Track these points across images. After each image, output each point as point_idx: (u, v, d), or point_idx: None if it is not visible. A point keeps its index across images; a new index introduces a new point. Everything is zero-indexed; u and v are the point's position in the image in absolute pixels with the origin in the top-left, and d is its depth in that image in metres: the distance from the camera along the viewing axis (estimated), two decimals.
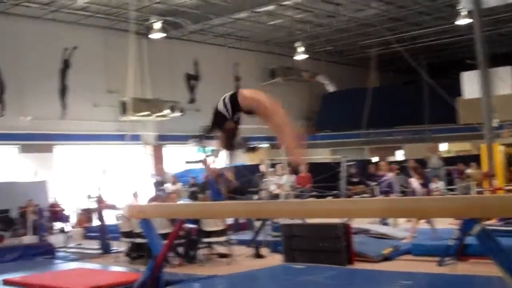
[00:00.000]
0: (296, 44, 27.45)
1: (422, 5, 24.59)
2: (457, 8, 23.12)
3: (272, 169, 17.44)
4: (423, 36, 28.88)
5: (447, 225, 13.87)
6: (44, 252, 13.54)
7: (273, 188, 17.87)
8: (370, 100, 23.52)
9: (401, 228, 13.91)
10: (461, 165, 21.27)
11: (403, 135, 29.82)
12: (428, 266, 10.07)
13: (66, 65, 23.09)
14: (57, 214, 19.51)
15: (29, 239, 16.19)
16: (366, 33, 28.29)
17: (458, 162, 22.07)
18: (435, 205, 5.93)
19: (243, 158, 27.39)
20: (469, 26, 22.69)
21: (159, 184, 22.13)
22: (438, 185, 17.70)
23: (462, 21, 23.46)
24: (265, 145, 29.39)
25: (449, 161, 22.95)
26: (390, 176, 14.57)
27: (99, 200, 16.95)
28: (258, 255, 12.30)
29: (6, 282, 10.00)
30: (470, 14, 22.06)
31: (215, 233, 12.08)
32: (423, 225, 13.05)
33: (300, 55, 27.78)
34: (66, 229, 17.43)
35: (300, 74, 30.61)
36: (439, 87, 22.36)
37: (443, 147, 29.49)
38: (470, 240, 10.24)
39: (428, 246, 11.28)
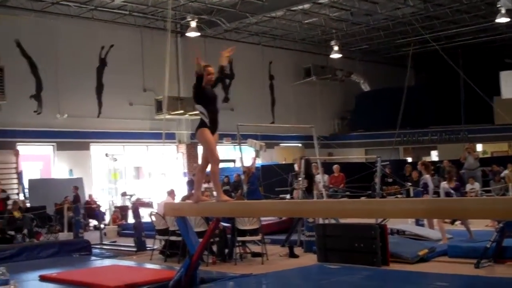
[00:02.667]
0: (331, 43, 27.30)
1: (461, 3, 24.26)
2: (496, 6, 22.76)
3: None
4: (461, 35, 28.55)
5: (483, 227, 13.69)
6: (80, 249, 13.63)
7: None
8: (405, 100, 23.26)
9: (437, 230, 13.74)
10: (495, 166, 20.94)
11: (439, 135, 29.54)
12: (464, 268, 9.92)
13: (102, 63, 23.34)
14: (92, 211, 19.73)
15: (65, 235, 16.39)
16: (403, 31, 28.06)
17: (493, 163, 21.76)
18: (475, 207, 5.83)
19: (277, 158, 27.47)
20: (508, 24, 22.36)
21: (192, 183, 22.18)
22: (474, 186, 17.44)
23: (501, 20, 23.04)
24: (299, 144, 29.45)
25: (485, 161, 22.65)
26: (426, 176, 14.38)
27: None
28: (292, 255, 12.26)
29: (42, 278, 10.10)
30: (509, 13, 21.73)
31: (250, 231, 12.07)
32: (459, 227, 12.87)
33: (335, 54, 27.62)
34: (101, 226, 17.53)
35: (334, 73, 30.48)
36: (476, 87, 22.04)
37: (480, 147, 29.11)
38: (508, 242, 10.12)
39: (465, 248, 11.10)
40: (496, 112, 26.21)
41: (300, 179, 14.62)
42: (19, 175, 20.47)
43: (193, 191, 18.11)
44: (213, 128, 7.60)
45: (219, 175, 8.03)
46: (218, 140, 7.82)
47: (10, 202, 18.28)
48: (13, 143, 20.88)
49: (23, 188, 20.20)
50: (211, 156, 7.62)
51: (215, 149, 7.57)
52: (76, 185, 20.37)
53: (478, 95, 22.67)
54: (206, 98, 7.59)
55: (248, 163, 18.44)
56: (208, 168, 8.06)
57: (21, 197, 19.89)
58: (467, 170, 19.89)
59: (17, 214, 16.66)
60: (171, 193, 14.00)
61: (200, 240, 9.07)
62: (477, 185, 17.73)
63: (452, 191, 12.95)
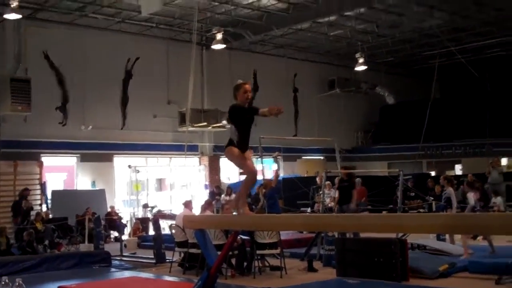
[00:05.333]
0: (356, 55, 27.17)
1: (488, 15, 24.04)
2: None
3: (328, 182, 17.24)
4: (488, 47, 28.26)
5: (505, 242, 13.49)
6: (100, 260, 13.66)
7: (327, 201, 17.72)
8: (430, 113, 23.06)
9: (458, 245, 13.57)
10: None
11: (463, 149, 29.21)
12: (485, 284, 9.80)
13: (128, 75, 23.46)
14: (113, 222, 19.82)
15: (85, 247, 16.47)
16: (429, 44, 27.87)
17: None
18: (496, 222, 5.70)
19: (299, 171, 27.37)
20: None
21: (214, 195, 22.25)
22: (496, 200, 17.19)
23: None
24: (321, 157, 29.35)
25: (510, 176, 22.31)
26: (448, 190, 14.24)
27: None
28: (311, 269, 12.18)
29: None
30: None
31: (269, 245, 12.02)
32: (481, 242, 12.70)
33: (360, 66, 27.45)
34: (121, 238, 17.59)
35: (359, 86, 30.34)
36: (502, 100, 21.84)
37: (504, 161, 28.69)
38: None
39: (486, 264, 10.95)
40: None
41: (320, 192, 14.52)
42: (43, 186, 20.65)
43: (210, 199, 18.05)
44: (243, 147, 7.50)
45: (249, 187, 7.86)
46: (252, 154, 7.66)
47: (33, 212, 18.46)
48: (38, 154, 21.10)
49: (46, 199, 20.36)
50: (244, 168, 7.51)
51: (245, 161, 7.31)
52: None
53: (504, 109, 22.45)
54: (240, 119, 7.46)
55: (269, 176, 18.40)
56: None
57: (44, 208, 20.07)
58: (491, 184, 19.66)
59: (39, 225, 16.81)
60: (188, 205, 13.94)
61: (219, 253, 9.03)
62: (499, 200, 17.47)
63: (478, 203, 12.88)
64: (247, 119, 7.42)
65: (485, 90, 24.89)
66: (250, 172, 7.51)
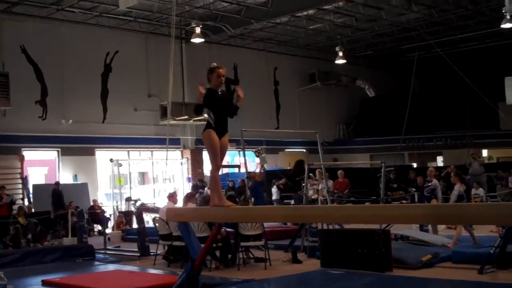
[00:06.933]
0: (336, 49, 27.25)
1: (465, 9, 24.23)
2: (501, 12, 22.66)
3: (310, 174, 17.30)
4: (466, 41, 28.51)
5: (487, 232, 13.65)
6: (84, 254, 13.62)
7: (311, 193, 17.79)
8: (410, 105, 23.25)
9: (442, 235, 13.70)
10: (500, 172, 20.87)
11: (444, 141, 29.49)
12: (468, 274, 9.88)
13: (107, 69, 23.40)
14: (96, 216, 19.75)
15: (69, 240, 16.41)
16: (407, 37, 28.04)
17: (499, 169, 21.69)
18: (478, 212, 5.77)
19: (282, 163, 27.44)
20: None
21: (197, 188, 22.25)
22: (478, 191, 17.39)
23: (506, 25, 22.94)
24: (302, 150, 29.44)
25: (490, 167, 22.56)
26: (434, 182, 14.43)
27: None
28: (295, 260, 12.24)
29: (45, 283, 10.11)
30: None
31: (253, 237, 12.05)
32: (463, 232, 12.81)
33: (340, 60, 27.56)
34: (105, 231, 17.54)
35: (339, 79, 30.47)
36: (481, 92, 22.04)
37: (485, 153, 29.02)
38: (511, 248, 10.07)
39: (468, 254, 11.05)
40: (501, 118, 26.15)
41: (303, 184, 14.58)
42: (24, 180, 20.52)
43: (193, 192, 18.07)
44: (220, 130, 7.44)
45: (219, 181, 7.81)
46: (228, 144, 7.64)
47: (15, 207, 18.35)
48: (18, 148, 20.98)
49: (28, 193, 20.24)
50: (211, 160, 7.48)
51: (217, 154, 7.34)
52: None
53: (483, 101, 22.66)
54: (214, 101, 7.45)
55: (253, 169, 18.46)
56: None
57: (26, 202, 19.96)
58: (472, 175, 19.85)
59: (21, 220, 16.72)
60: (171, 197, 13.90)
61: (203, 245, 9.05)
62: (481, 191, 17.67)
63: (464, 194, 12.99)
64: (221, 102, 7.41)
65: (463, 82, 25.06)
66: (217, 167, 7.49)
